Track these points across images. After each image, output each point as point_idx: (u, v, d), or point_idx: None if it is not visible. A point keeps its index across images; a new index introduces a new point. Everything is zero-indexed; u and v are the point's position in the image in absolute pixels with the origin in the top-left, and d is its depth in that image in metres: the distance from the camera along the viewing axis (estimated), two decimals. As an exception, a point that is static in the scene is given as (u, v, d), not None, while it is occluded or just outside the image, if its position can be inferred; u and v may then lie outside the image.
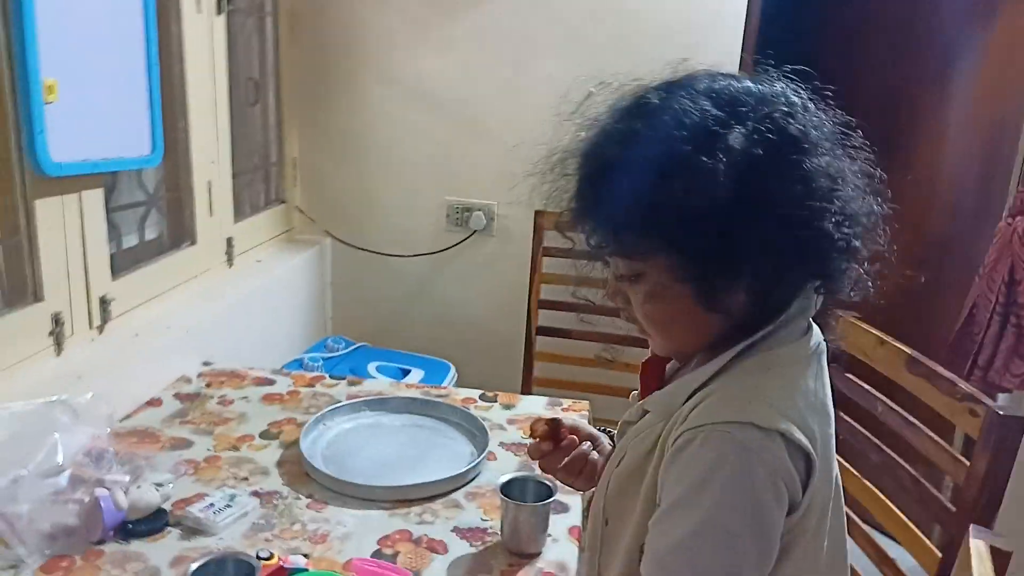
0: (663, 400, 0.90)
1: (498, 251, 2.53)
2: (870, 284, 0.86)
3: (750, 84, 0.82)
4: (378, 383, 1.89)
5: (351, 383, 1.84)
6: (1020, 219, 2.12)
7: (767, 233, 0.76)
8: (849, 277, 0.84)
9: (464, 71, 2.45)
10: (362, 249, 2.62)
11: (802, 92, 0.84)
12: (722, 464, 0.77)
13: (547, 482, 1.29)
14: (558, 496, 1.29)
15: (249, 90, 2.41)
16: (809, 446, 0.79)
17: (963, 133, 2.42)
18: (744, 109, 0.78)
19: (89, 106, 1.57)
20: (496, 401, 1.78)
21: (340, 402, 1.68)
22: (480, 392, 1.82)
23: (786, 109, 0.79)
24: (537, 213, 2.36)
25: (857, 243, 0.82)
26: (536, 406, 1.77)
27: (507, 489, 1.28)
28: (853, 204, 0.81)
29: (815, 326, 0.89)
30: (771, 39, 2.41)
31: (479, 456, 1.49)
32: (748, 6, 2.29)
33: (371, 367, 2.35)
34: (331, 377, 1.87)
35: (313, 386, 1.81)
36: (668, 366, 0.98)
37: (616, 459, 0.95)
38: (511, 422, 1.69)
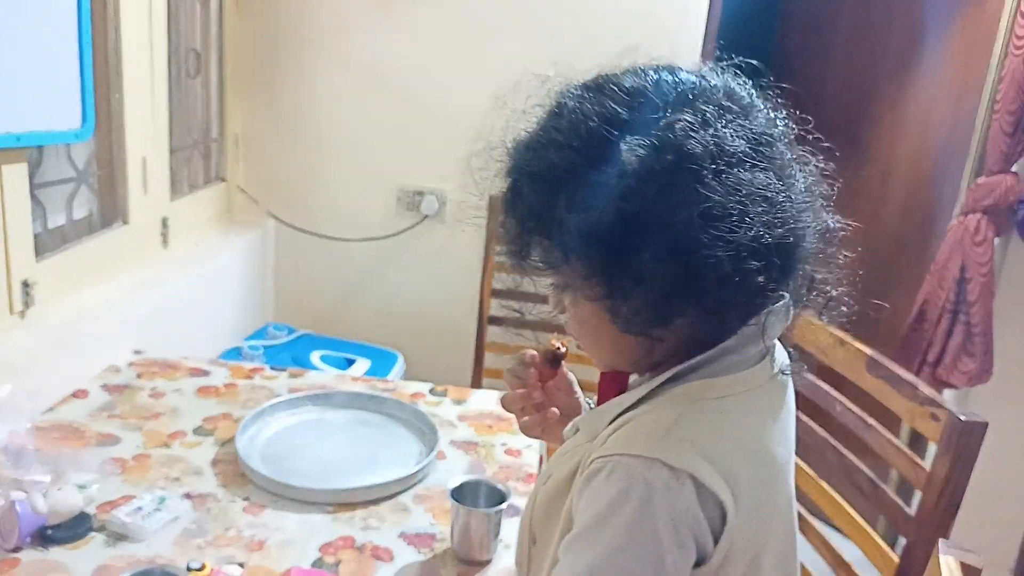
0: (591, 420, 0.84)
1: (450, 238, 2.46)
2: (831, 301, 0.81)
3: (684, 80, 0.75)
4: (322, 375, 1.80)
5: (292, 375, 1.76)
6: (971, 217, 2.13)
7: (653, 259, 0.69)
8: (797, 299, 0.78)
9: (421, 53, 2.37)
10: (307, 232, 2.51)
11: (749, 89, 0.77)
12: (624, 501, 0.70)
13: (500, 487, 1.23)
14: (512, 501, 1.23)
15: (190, 62, 2.28)
16: (724, 493, 0.71)
17: (919, 130, 2.42)
18: (655, 116, 0.71)
19: (10, 74, 1.45)
20: (446, 396, 1.72)
21: (280, 396, 1.60)
22: (430, 386, 1.75)
23: (707, 113, 0.71)
24: (491, 199, 2.28)
25: (797, 265, 0.75)
26: (488, 401, 1.71)
27: (458, 493, 1.21)
28: (783, 222, 0.72)
29: (779, 352, 0.82)
30: (732, 29, 2.38)
31: (428, 456, 1.42)
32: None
33: (314, 356, 2.26)
34: (271, 368, 1.78)
35: (251, 378, 1.72)
36: (632, 379, 0.91)
37: (544, 477, 0.89)
38: (462, 418, 1.62)
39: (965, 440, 1.23)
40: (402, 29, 2.35)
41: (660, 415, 0.76)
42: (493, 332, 2.35)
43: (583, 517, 0.73)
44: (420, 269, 2.50)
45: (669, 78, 0.75)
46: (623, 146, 0.70)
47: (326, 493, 1.31)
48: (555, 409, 1.01)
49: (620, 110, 0.72)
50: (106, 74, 1.82)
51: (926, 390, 1.32)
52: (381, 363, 2.31)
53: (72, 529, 1.15)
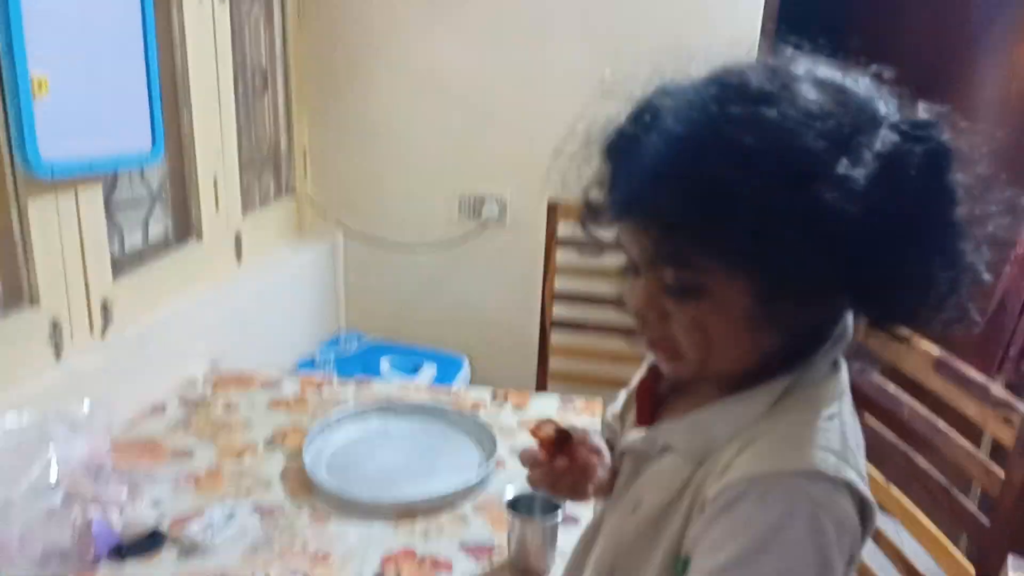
0: (695, 435, 0.77)
1: (511, 242, 2.48)
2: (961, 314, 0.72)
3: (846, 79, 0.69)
4: (387, 385, 1.84)
5: (359, 385, 1.80)
6: (1057, 204, 2.03)
7: (905, 257, 0.65)
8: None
9: (477, 59, 2.39)
10: (374, 240, 2.57)
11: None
12: (788, 523, 0.64)
13: (553, 499, 1.24)
14: (568, 510, 1.23)
15: (257, 78, 2.35)
16: (872, 498, 0.69)
17: (1002, 104, 2.31)
18: (877, 108, 0.67)
19: (84, 101, 1.52)
20: (507, 401, 1.73)
21: (347, 407, 1.64)
22: (491, 392, 1.77)
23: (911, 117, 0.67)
24: (550, 203, 2.29)
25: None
26: (548, 406, 1.72)
27: (514, 504, 1.23)
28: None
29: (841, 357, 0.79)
30: (793, 13, 2.32)
31: (486, 465, 1.44)
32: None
33: (384, 363, 2.31)
34: (339, 379, 1.83)
35: (321, 389, 1.77)
36: (663, 385, 0.87)
37: (630, 504, 0.82)
38: (523, 425, 1.64)
39: (1040, 446, 1.19)
40: (458, 36, 2.38)
41: (792, 428, 0.71)
42: (557, 335, 2.36)
43: (729, 546, 0.66)
44: (483, 274, 2.53)
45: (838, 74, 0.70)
46: (881, 133, 0.65)
47: (387, 504, 1.35)
48: (561, 461, 0.89)
49: (835, 103, 0.66)
50: (174, 95, 1.89)
51: (998, 392, 1.27)
52: (447, 368, 2.34)
53: (145, 545, 1.21)
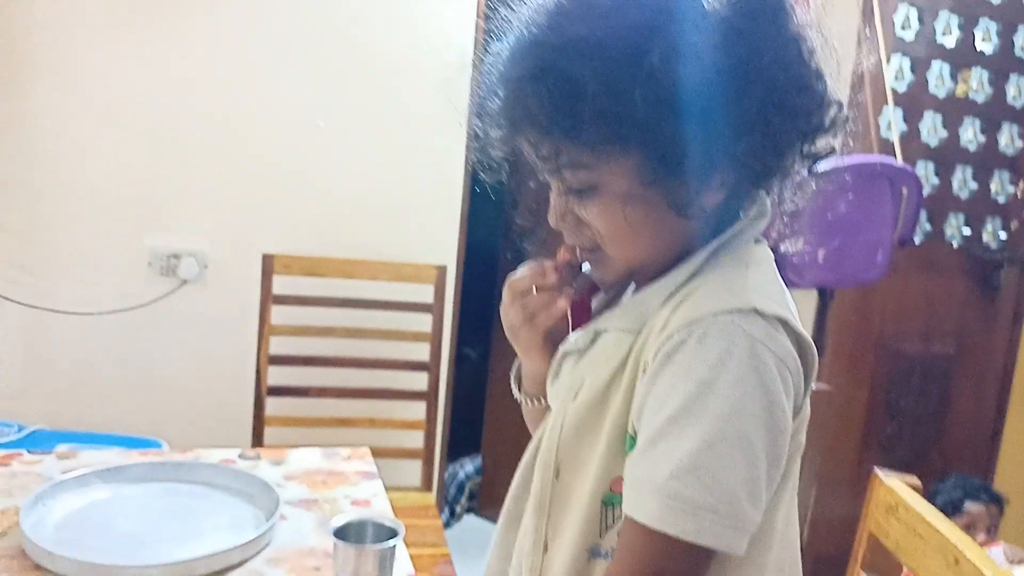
0: (629, 311, 0.77)
1: (214, 303, 2.20)
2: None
3: None
4: (99, 453, 1.48)
5: (62, 456, 1.43)
6: None
7: (763, 108, 0.67)
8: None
9: (174, 83, 2.11)
10: (31, 306, 2.11)
11: None
12: (728, 358, 0.65)
13: (387, 523, 1.07)
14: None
15: None
16: (808, 337, 0.70)
17: None
18: None
19: None
20: (260, 459, 1.49)
21: (55, 479, 1.28)
22: (238, 451, 1.51)
23: None
24: (266, 257, 2.09)
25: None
26: (311, 459, 1.51)
27: (342, 534, 1.03)
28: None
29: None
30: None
31: (272, 514, 1.21)
32: (476, 35, 2.30)
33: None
34: (30, 452, 1.43)
35: (8, 464, 1.37)
36: (595, 303, 0.86)
37: (571, 391, 0.77)
38: (289, 478, 1.41)
39: None
40: (151, 54, 2.09)
41: (724, 279, 0.72)
42: (273, 403, 2.12)
43: (672, 398, 0.66)
44: (180, 342, 2.20)
45: None
46: None
47: (160, 569, 1.05)
48: (570, 289, 0.82)
49: None
50: None
51: None
52: (143, 452, 1.97)
53: None
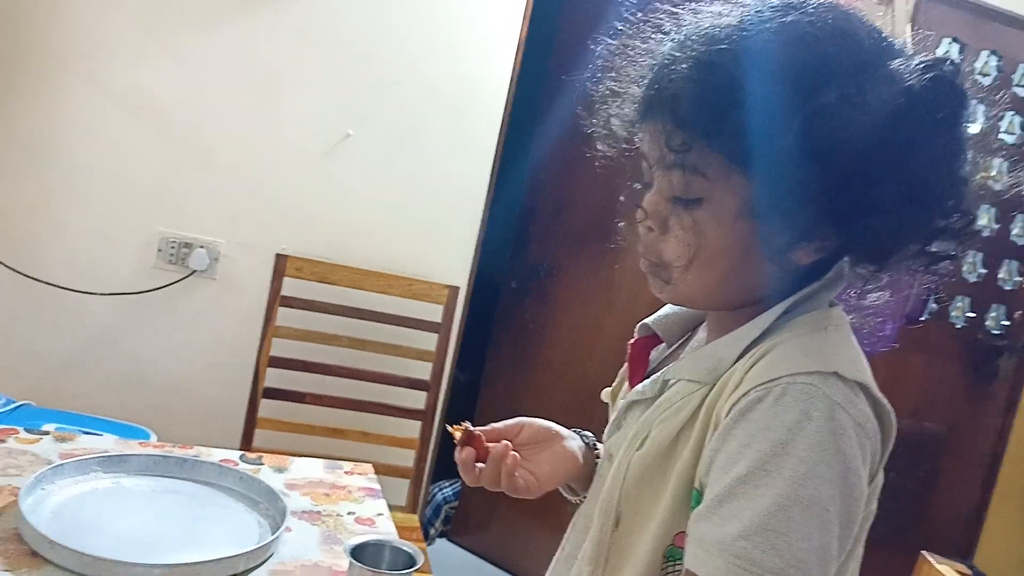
0: (701, 363, 0.74)
1: (221, 297, 2.16)
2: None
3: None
4: (98, 439, 1.44)
5: (60, 439, 1.38)
6: None
7: (901, 195, 0.66)
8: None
9: (199, 91, 2.11)
10: (35, 279, 2.06)
11: None
12: (807, 420, 0.63)
13: (406, 548, 1.04)
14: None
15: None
16: (887, 403, 0.69)
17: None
18: (893, 43, 0.70)
19: None
20: (262, 463, 1.45)
21: (52, 462, 1.24)
22: (240, 453, 1.47)
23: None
24: (279, 257, 2.06)
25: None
26: (314, 469, 1.47)
27: (358, 554, 1.00)
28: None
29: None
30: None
31: (279, 524, 1.17)
32: (513, 66, 2.29)
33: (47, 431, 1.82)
34: (27, 431, 1.39)
35: (4, 440, 1.32)
36: (653, 354, 0.84)
37: (636, 441, 0.75)
38: (291, 487, 1.37)
39: None
40: (179, 63, 2.09)
41: (804, 340, 0.70)
42: (267, 406, 2.08)
43: (745, 458, 0.64)
44: (181, 332, 2.16)
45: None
46: (896, 63, 0.66)
47: (162, 570, 1.01)
48: (506, 443, 0.83)
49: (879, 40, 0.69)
50: None
51: None
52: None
53: None
